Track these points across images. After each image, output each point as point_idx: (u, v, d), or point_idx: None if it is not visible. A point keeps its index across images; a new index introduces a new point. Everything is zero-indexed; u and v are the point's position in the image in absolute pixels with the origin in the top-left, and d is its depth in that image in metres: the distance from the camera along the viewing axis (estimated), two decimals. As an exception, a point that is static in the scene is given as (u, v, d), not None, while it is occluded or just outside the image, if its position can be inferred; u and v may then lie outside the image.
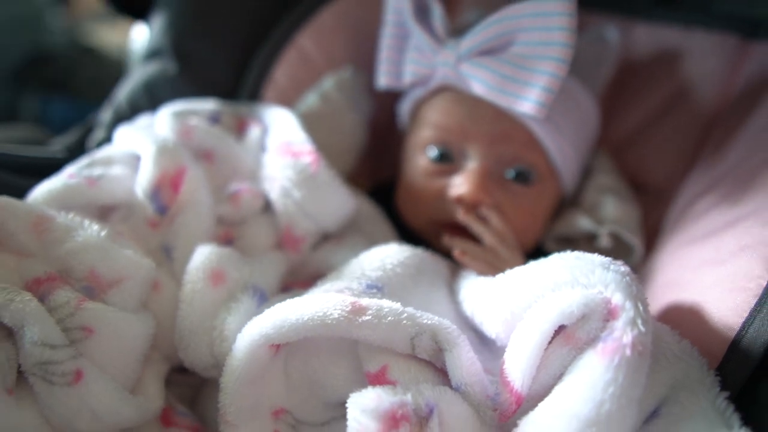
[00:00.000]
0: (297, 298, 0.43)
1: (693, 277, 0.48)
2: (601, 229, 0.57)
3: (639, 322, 0.37)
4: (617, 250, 0.58)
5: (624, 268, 0.41)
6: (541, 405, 0.38)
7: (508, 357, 0.42)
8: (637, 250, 0.58)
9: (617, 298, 0.38)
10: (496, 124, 0.57)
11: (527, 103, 0.53)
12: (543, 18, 0.52)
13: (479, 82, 0.55)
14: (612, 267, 0.41)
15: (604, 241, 0.57)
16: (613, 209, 0.59)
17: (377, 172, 0.73)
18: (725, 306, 0.43)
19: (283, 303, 0.43)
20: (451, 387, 0.42)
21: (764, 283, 0.42)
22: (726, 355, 0.42)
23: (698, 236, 0.50)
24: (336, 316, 0.41)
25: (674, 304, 0.48)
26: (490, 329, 0.45)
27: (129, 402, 0.44)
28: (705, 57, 0.64)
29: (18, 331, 0.41)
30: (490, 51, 0.56)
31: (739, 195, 0.50)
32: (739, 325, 0.42)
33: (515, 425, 0.39)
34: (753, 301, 0.42)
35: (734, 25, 0.64)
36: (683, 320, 0.46)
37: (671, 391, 0.39)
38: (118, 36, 1.47)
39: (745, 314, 0.42)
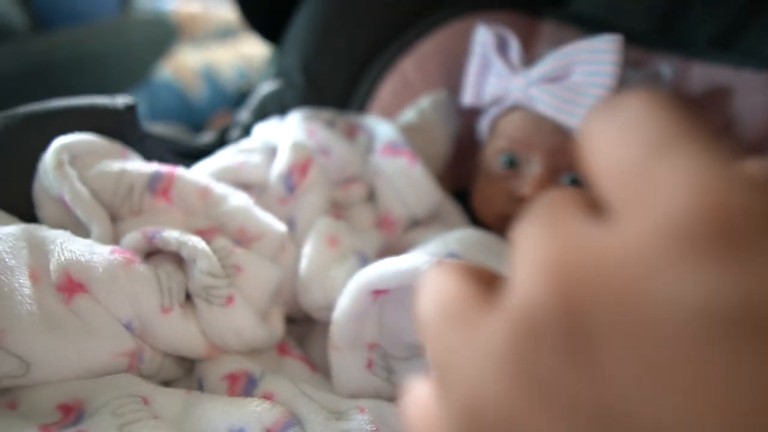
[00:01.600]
0: (395, 258, 0.54)
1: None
2: None
3: None
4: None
5: None
6: None
7: None
8: None
9: None
10: (554, 138, 0.68)
11: (577, 120, 0.65)
12: (595, 54, 0.64)
13: (543, 103, 0.67)
14: None
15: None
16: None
17: (459, 178, 0.85)
18: None
19: (384, 260, 0.54)
20: None
21: None
22: None
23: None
24: (425, 268, 0.50)
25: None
26: None
27: (263, 327, 0.56)
28: (752, 93, 0.73)
29: (190, 262, 0.54)
30: (553, 79, 0.67)
31: None
32: None
33: None
34: None
35: (781, 65, 0.72)
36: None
37: None
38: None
39: None
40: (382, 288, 0.53)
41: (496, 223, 0.72)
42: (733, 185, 0.16)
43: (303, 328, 0.67)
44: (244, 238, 0.60)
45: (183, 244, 0.54)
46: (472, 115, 0.82)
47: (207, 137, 0.83)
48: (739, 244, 0.15)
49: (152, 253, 0.57)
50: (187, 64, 1.46)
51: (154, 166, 0.61)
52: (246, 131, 0.80)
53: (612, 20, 0.89)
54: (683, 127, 0.18)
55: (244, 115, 0.84)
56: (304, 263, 0.60)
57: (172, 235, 0.55)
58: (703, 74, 0.78)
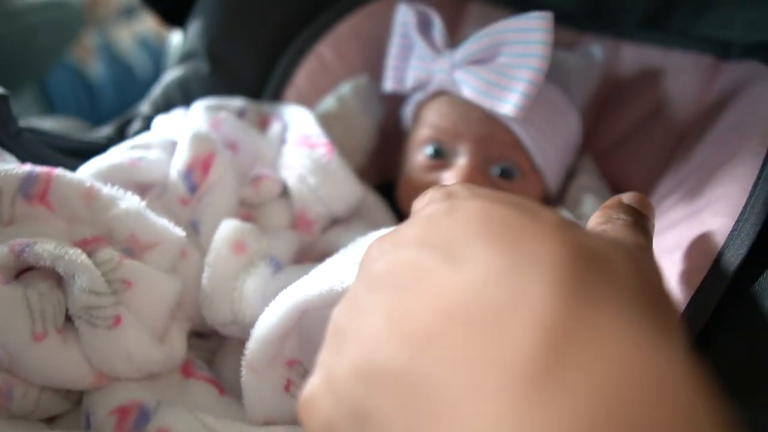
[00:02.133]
0: (338, 270, 0.47)
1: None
2: (581, 223, 0.63)
3: None
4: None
5: None
6: None
7: None
8: None
9: None
10: (483, 126, 0.63)
11: (507, 106, 0.59)
12: (524, 33, 0.59)
13: (468, 87, 0.62)
14: None
15: (583, 233, 0.63)
16: (591, 206, 0.65)
17: (384, 170, 0.80)
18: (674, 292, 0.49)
19: (325, 272, 0.47)
20: None
21: (704, 273, 0.47)
22: None
23: (664, 228, 0.56)
24: None
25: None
26: None
27: (158, 348, 0.49)
28: (682, 74, 0.70)
29: (69, 279, 0.47)
30: (480, 60, 0.62)
31: (698, 191, 0.56)
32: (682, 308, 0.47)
33: None
34: (693, 291, 0.47)
35: (709, 46, 0.70)
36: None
37: None
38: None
39: (687, 300, 0.47)
40: (319, 306, 0.47)
41: None
42: None
43: (213, 343, 0.60)
44: (136, 246, 0.53)
45: (58, 259, 0.47)
46: (397, 102, 0.76)
47: (103, 132, 0.75)
48: None
49: (26, 269, 0.49)
50: (83, 43, 1.35)
51: (27, 167, 0.52)
52: (147, 124, 0.72)
53: (542, 0, 0.85)
54: None
55: (145, 106, 0.75)
56: (206, 274, 0.54)
57: (45, 248, 0.47)
58: (633, 55, 0.75)
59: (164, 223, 0.54)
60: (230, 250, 0.54)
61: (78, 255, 0.48)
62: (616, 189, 0.72)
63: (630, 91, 0.74)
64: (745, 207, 0.49)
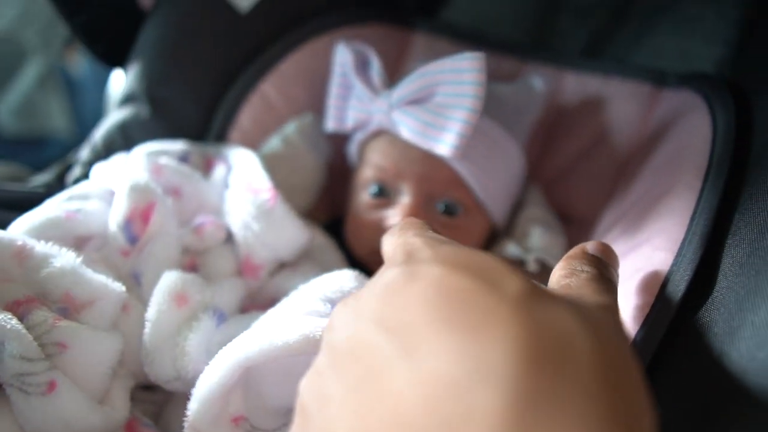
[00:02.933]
0: (278, 323, 0.47)
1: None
2: (528, 255, 0.64)
3: None
4: (544, 275, 0.65)
5: None
6: None
7: None
8: None
9: None
10: (423, 165, 0.64)
11: (443, 146, 0.60)
12: (457, 74, 0.59)
13: (405, 128, 0.62)
14: None
15: (531, 266, 0.63)
16: (539, 238, 0.65)
17: (335, 207, 0.79)
18: None
19: (263, 331, 0.47)
20: None
21: (647, 310, 0.47)
22: None
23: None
24: (317, 336, 0.44)
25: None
26: None
27: (97, 411, 0.47)
28: (622, 102, 0.72)
29: None
30: (417, 100, 0.62)
31: (639, 224, 0.56)
32: None
33: None
34: (637, 327, 0.47)
35: (646, 74, 0.71)
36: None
37: None
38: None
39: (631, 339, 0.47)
40: (262, 362, 0.46)
41: (370, 257, 0.67)
42: None
43: (160, 396, 0.58)
44: (71, 305, 0.51)
45: (-15, 325, 0.45)
46: (344, 139, 0.76)
47: (42, 179, 0.72)
48: None
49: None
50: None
51: None
52: (87, 171, 0.70)
53: (485, 31, 0.86)
54: None
55: (85, 152, 0.73)
56: (147, 330, 0.52)
57: (-29, 313, 0.45)
58: (575, 84, 0.77)
59: (101, 279, 0.52)
60: (171, 304, 0.53)
61: (7, 320, 0.46)
62: (564, 218, 0.73)
63: (573, 120, 0.76)
64: (683, 242, 0.50)
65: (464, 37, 0.82)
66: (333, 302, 0.52)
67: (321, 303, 0.51)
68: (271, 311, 0.51)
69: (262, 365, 0.48)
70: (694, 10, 0.75)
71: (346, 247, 0.69)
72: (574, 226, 0.72)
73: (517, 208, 0.72)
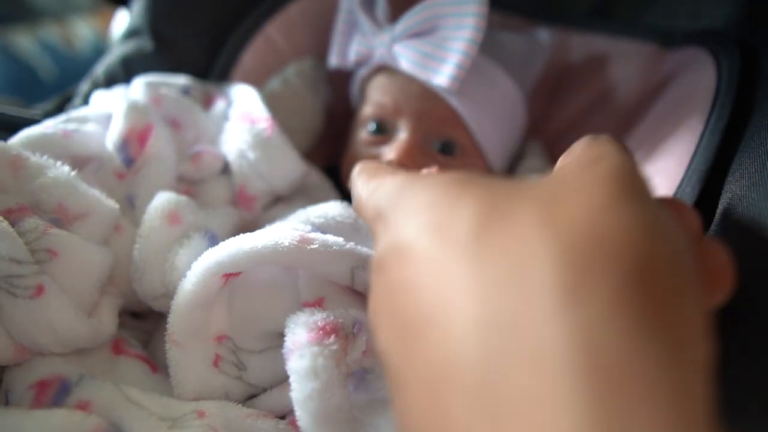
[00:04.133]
0: (249, 234, 0.47)
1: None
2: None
3: None
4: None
5: None
6: None
7: None
8: None
9: None
10: (422, 101, 0.63)
11: (441, 77, 0.60)
12: (459, 6, 0.59)
13: (405, 60, 0.62)
14: None
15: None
16: (538, 186, 0.65)
17: (333, 153, 0.78)
18: None
19: (238, 237, 0.47)
20: None
21: None
22: None
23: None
24: (287, 244, 0.44)
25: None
26: None
27: (84, 322, 0.47)
28: (628, 61, 0.71)
29: None
30: (418, 33, 0.62)
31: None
32: None
33: None
34: None
35: (653, 35, 0.71)
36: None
37: None
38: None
39: None
40: (234, 270, 0.46)
41: None
42: None
43: (150, 324, 0.58)
44: (64, 216, 0.50)
45: (-25, 226, 0.44)
46: (346, 86, 0.75)
47: (39, 109, 0.72)
48: None
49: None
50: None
51: None
52: (87, 101, 0.69)
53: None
54: None
55: (85, 84, 0.73)
56: (138, 245, 0.51)
57: (-37, 214, 0.45)
58: (581, 44, 0.76)
59: (95, 193, 0.52)
60: (164, 221, 0.52)
61: (-2, 222, 0.45)
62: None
63: (578, 79, 0.75)
64: (682, 180, 0.50)
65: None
66: (315, 226, 0.52)
67: (302, 224, 0.51)
68: None
69: (244, 281, 0.48)
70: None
71: (343, 190, 0.69)
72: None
73: (517, 159, 0.72)
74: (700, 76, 0.59)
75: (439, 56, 0.59)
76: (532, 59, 0.70)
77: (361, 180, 0.37)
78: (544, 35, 0.71)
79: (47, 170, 0.51)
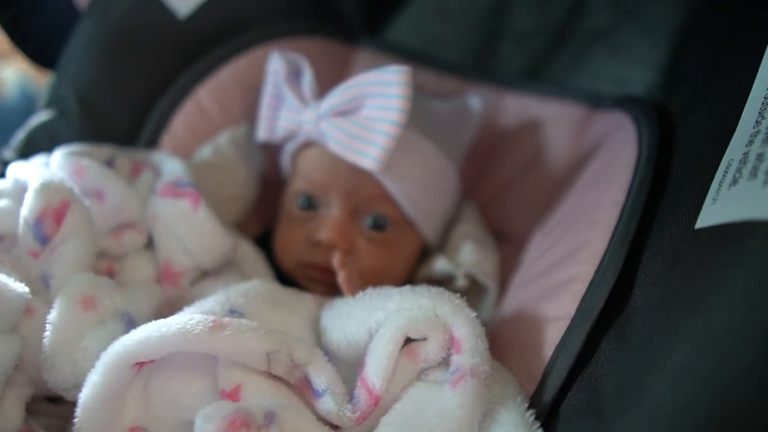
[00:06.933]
0: (162, 319, 0.45)
1: (529, 312, 0.54)
2: (458, 270, 0.63)
3: (478, 354, 0.44)
4: (475, 291, 0.64)
5: (467, 309, 0.48)
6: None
7: (367, 361, 0.47)
8: (492, 291, 0.64)
9: (461, 333, 0.46)
10: (351, 178, 0.63)
11: (368, 160, 0.59)
12: (384, 86, 0.59)
13: (332, 140, 0.62)
14: (458, 303, 0.47)
15: (460, 281, 0.63)
16: (470, 253, 0.65)
17: (268, 220, 0.77)
18: (544, 339, 0.50)
19: (148, 323, 0.45)
20: (310, 397, 0.46)
21: (568, 323, 0.48)
22: (540, 380, 0.48)
23: (534, 275, 0.57)
24: (197, 331, 0.43)
25: (512, 335, 0.55)
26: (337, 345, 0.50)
27: (-14, 419, 0.45)
28: (558, 124, 0.73)
29: None
30: (344, 112, 0.62)
31: (564, 239, 0.57)
32: (549, 357, 0.49)
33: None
34: (560, 336, 0.48)
35: (582, 96, 0.73)
36: (519, 349, 0.52)
37: (488, 406, 0.45)
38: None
39: (553, 348, 0.49)
40: (144, 359, 0.44)
41: (298, 270, 0.65)
42: None
43: (67, 409, 0.54)
44: (-33, 306, 0.47)
45: None
46: (280, 152, 0.74)
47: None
48: None
49: None
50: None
51: None
52: (4, 172, 0.66)
53: (428, 51, 0.86)
54: None
55: (6, 152, 0.70)
56: (48, 333, 0.49)
57: None
58: (515, 104, 0.77)
59: (1, 279, 0.49)
60: (76, 307, 0.50)
61: None
62: (500, 235, 0.73)
63: (512, 140, 0.76)
64: (604, 255, 0.50)
65: (407, 55, 0.82)
66: (233, 306, 0.51)
67: (220, 306, 0.50)
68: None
69: (159, 368, 0.46)
70: (629, 38, 0.77)
71: (275, 259, 0.68)
72: (509, 243, 0.72)
73: (451, 223, 0.71)
74: (622, 146, 0.60)
75: (365, 137, 0.59)
76: (464, 128, 0.70)
77: None
78: (475, 101, 0.72)
79: (-50, 258, 0.48)
